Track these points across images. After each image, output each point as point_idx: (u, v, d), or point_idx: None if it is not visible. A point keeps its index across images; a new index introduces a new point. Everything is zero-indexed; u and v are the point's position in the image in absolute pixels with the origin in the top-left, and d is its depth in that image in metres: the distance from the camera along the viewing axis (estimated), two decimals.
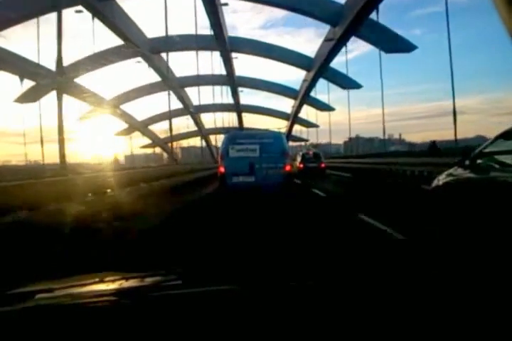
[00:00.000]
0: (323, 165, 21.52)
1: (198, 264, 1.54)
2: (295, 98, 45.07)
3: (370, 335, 0.72)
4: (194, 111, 50.85)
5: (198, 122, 54.25)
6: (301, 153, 23.10)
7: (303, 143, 62.13)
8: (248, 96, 68.34)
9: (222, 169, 8.82)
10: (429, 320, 0.73)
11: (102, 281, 1.18)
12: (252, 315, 0.79)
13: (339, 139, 52.54)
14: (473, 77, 77.86)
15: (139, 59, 34.96)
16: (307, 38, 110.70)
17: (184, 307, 0.84)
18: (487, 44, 74.00)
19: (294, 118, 50.38)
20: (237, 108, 51.33)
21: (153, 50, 33.89)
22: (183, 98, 45.60)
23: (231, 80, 41.26)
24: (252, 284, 1.01)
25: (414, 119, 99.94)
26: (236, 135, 9.94)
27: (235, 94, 44.94)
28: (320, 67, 32.29)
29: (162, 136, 60.65)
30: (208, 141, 60.83)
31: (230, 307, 0.83)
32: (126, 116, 46.28)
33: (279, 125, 54.85)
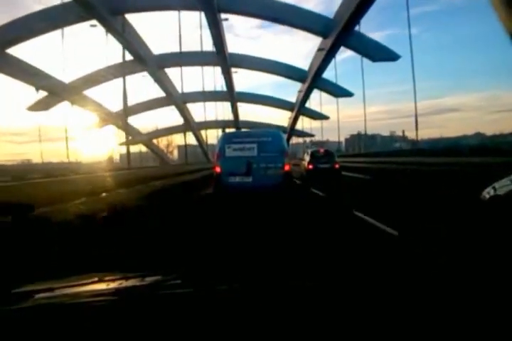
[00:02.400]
0: (337, 165, 16.99)
1: (198, 264, 1.62)
2: (303, 81, 35.04)
3: (369, 336, 0.71)
4: (180, 100, 40.93)
5: (185, 114, 44.18)
6: (309, 151, 18.19)
7: (302, 141, 55.93)
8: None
9: (218, 169, 8.22)
10: (428, 321, 0.73)
11: (101, 281, 1.16)
12: (252, 315, 0.78)
13: (336, 137, 46.86)
14: (470, 75, 76.90)
15: (94, 22, 24.78)
16: (305, 36, 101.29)
17: (184, 307, 0.83)
18: (483, 42, 71.21)
19: (300, 107, 40.34)
20: (232, 96, 41.30)
21: (110, 10, 23.82)
22: (164, 82, 35.70)
23: (222, 57, 31.33)
24: (251, 284, 1.00)
25: (412, 117, 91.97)
26: (233, 133, 9.75)
27: (227, 76, 34.77)
28: (346, 25, 22.10)
29: (146, 131, 50.77)
30: (199, 137, 50.95)
31: (229, 307, 0.82)
32: (93, 105, 36.19)
33: (282, 117, 46.63)
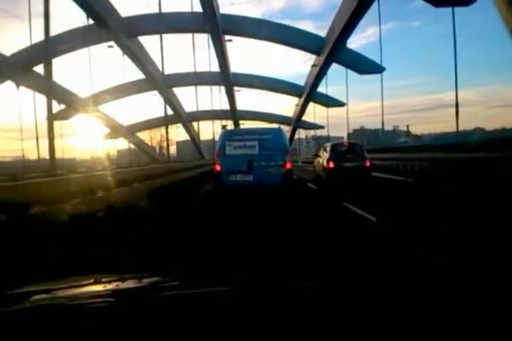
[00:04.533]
0: (368, 163, 12.69)
1: (197, 265, 1.64)
2: (318, 53, 26.50)
3: (369, 336, 0.71)
4: (164, 84, 32.34)
5: (171, 101, 35.58)
6: (328, 146, 13.66)
7: (303, 136, 49.98)
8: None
9: (218, 167, 8.03)
10: (427, 321, 0.73)
11: (99, 282, 1.15)
12: (252, 316, 0.77)
13: (340, 132, 45.63)
14: (470, 70, 77.73)
15: None
16: (308, 28, 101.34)
17: (182, 308, 0.82)
18: (483, 37, 71.46)
19: (310, 90, 31.84)
20: (227, 79, 32.82)
21: None
22: (139, 58, 27.26)
23: (212, 20, 22.88)
24: (251, 285, 0.99)
25: (413, 112, 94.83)
26: (233, 131, 9.69)
27: (219, 46, 26.13)
28: None
29: (128, 122, 42.01)
30: (190, 130, 42.50)
31: (228, 308, 0.81)
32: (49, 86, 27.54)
33: (290, 104, 40.03)
